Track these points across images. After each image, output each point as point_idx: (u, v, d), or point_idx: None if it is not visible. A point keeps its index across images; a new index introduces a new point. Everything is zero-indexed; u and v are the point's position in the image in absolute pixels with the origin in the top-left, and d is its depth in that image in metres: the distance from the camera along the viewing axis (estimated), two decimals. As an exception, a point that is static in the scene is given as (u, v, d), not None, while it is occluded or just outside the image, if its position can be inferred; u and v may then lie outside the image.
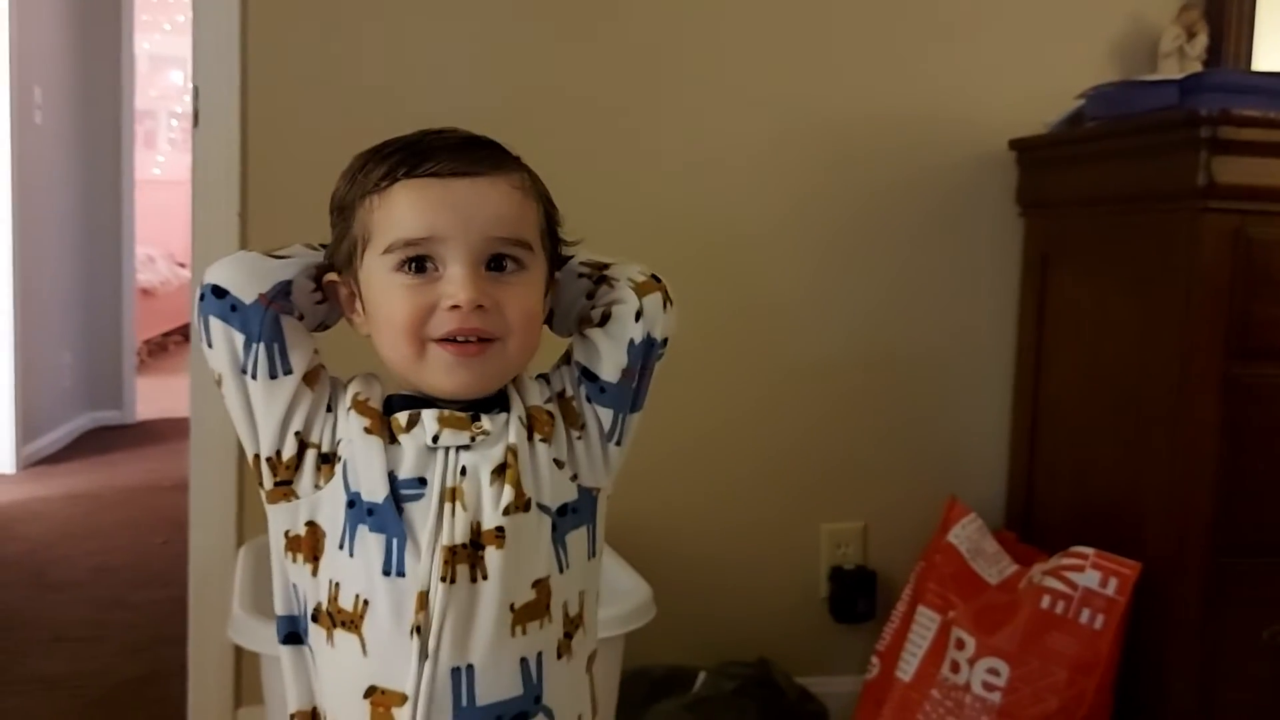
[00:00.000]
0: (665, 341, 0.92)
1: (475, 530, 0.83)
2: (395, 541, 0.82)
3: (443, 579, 0.81)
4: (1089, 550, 1.71)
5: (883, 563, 2.10)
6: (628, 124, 1.98)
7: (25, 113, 3.98)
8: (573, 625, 0.88)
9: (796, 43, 2.03)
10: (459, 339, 0.83)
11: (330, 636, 0.84)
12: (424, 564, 0.82)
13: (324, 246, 0.91)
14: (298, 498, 0.85)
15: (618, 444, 0.92)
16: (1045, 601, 1.70)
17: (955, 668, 1.76)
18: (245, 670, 1.91)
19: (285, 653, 0.89)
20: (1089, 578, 1.69)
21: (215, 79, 1.86)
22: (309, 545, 0.85)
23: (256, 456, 0.86)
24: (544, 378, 0.93)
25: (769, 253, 2.05)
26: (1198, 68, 1.99)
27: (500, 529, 0.83)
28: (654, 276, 0.92)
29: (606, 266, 0.93)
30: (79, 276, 4.61)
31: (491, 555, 0.82)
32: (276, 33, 1.87)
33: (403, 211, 0.84)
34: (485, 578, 0.82)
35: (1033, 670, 1.68)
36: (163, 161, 7.30)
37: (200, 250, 1.89)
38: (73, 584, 2.83)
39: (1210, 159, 1.62)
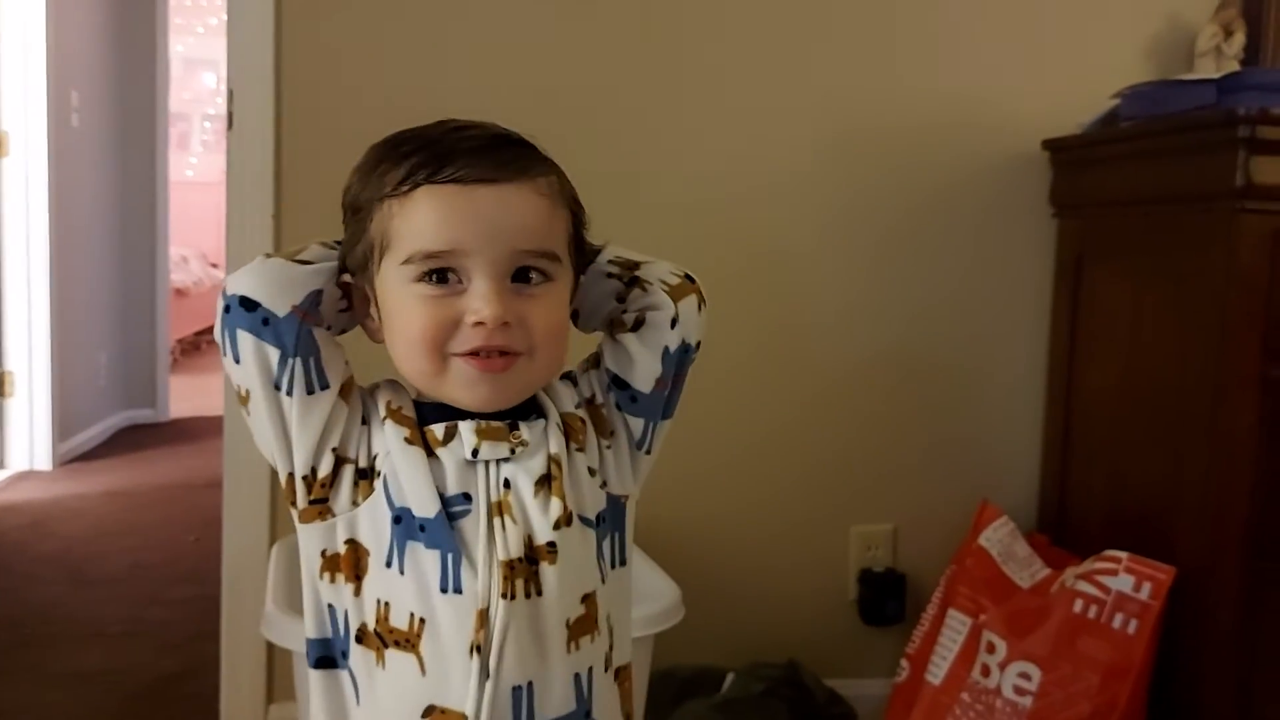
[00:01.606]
0: (699, 345, 0.89)
1: (528, 544, 0.81)
2: (451, 558, 0.79)
3: (503, 595, 0.79)
4: (1122, 554, 1.69)
5: (913, 566, 2.09)
6: (665, 130, 1.98)
7: (62, 115, 4.03)
8: (613, 637, 0.86)
9: (829, 48, 2.02)
10: (482, 354, 0.80)
11: (381, 658, 0.81)
12: (482, 580, 0.79)
13: (339, 244, 0.87)
14: (334, 515, 0.82)
15: (648, 452, 0.90)
16: (1078, 605, 1.69)
17: (986, 671, 1.75)
18: (278, 666, 1.93)
19: (316, 677, 0.84)
20: (1122, 582, 1.67)
21: (249, 81, 1.88)
22: (350, 564, 0.82)
23: (290, 475, 0.81)
24: (570, 379, 0.90)
25: (803, 258, 2.04)
26: (1235, 67, 1.97)
27: (552, 544, 0.81)
28: (688, 276, 0.89)
29: (637, 265, 0.89)
30: (114, 277, 4.67)
31: (546, 571, 0.80)
32: (310, 35, 1.88)
33: (424, 222, 0.79)
34: (541, 594, 0.80)
35: (1064, 675, 1.67)
36: (195, 163, 7.37)
37: (234, 251, 1.91)
38: (109, 580, 2.86)
39: (1248, 159, 1.60)
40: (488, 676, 0.79)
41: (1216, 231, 1.66)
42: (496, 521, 0.81)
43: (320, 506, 0.81)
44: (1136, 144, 1.87)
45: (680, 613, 1.52)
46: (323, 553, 0.82)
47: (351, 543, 0.81)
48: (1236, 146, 1.60)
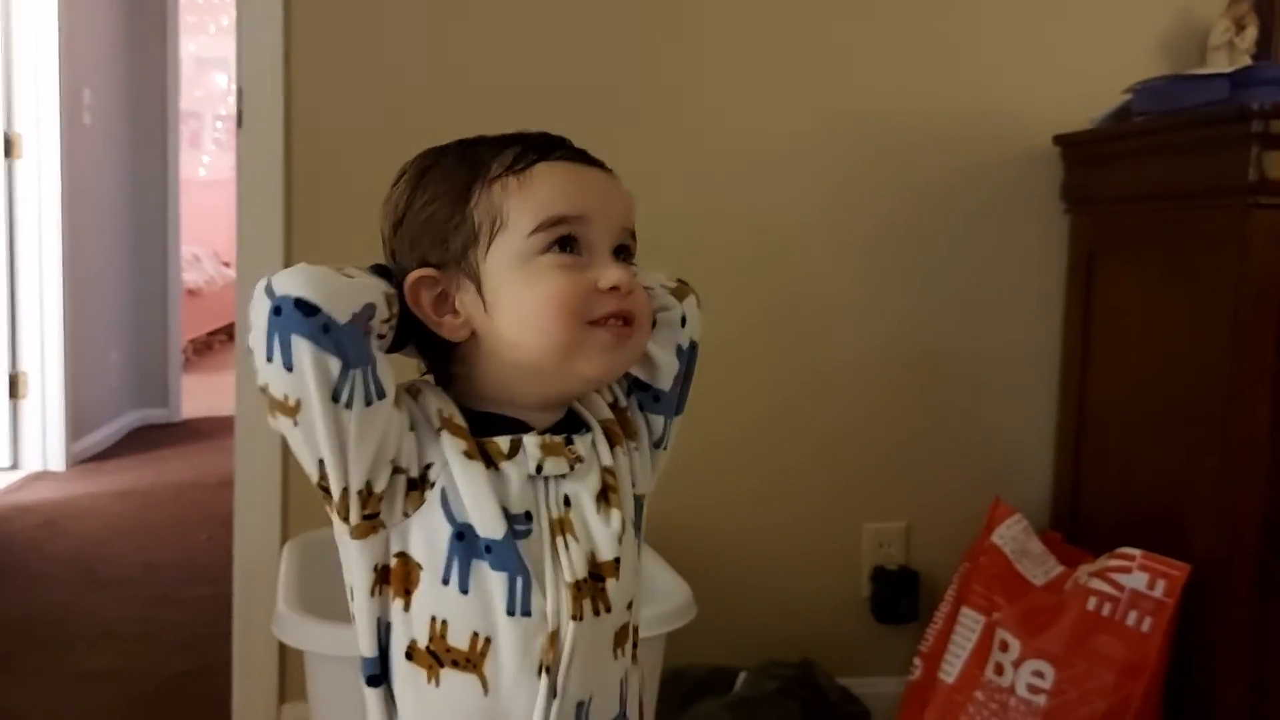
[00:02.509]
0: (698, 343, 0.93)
1: (591, 561, 0.81)
2: (520, 581, 0.78)
3: (573, 617, 0.79)
4: (1136, 551, 1.68)
5: (926, 563, 2.08)
6: (667, 118, 1.98)
7: (74, 114, 4.04)
8: (636, 632, 0.88)
9: (838, 36, 2.02)
10: (613, 322, 0.81)
11: (434, 676, 0.79)
12: (551, 603, 0.79)
13: (377, 269, 0.83)
14: (385, 528, 0.79)
15: (665, 449, 0.92)
16: (1092, 603, 1.68)
17: (1000, 670, 1.74)
18: (290, 666, 1.93)
19: (373, 696, 0.82)
20: (1136, 579, 1.66)
21: (259, 81, 1.88)
22: (399, 578, 0.79)
23: (345, 491, 0.76)
24: None
25: (810, 248, 2.04)
26: (1248, 61, 1.95)
27: (617, 560, 0.82)
28: (681, 281, 0.93)
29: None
30: (126, 276, 4.69)
31: (611, 586, 0.82)
32: (320, 35, 1.88)
33: (553, 190, 0.81)
34: (609, 610, 0.81)
35: (1079, 673, 1.66)
36: (208, 162, 7.40)
37: (246, 250, 1.91)
38: (122, 580, 2.87)
39: (1261, 154, 1.59)
40: (555, 695, 0.79)
41: (1230, 227, 1.65)
42: (559, 540, 0.80)
43: (374, 521, 0.78)
44: (1149, 139, 1.86)
45: (692, 612, 1.52)
46: (375, 567, 0.79)
47: (402, 556, 0.79)
48: (1250, 142, 1.59)
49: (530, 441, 0.81)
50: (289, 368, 0.72)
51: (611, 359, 0.82)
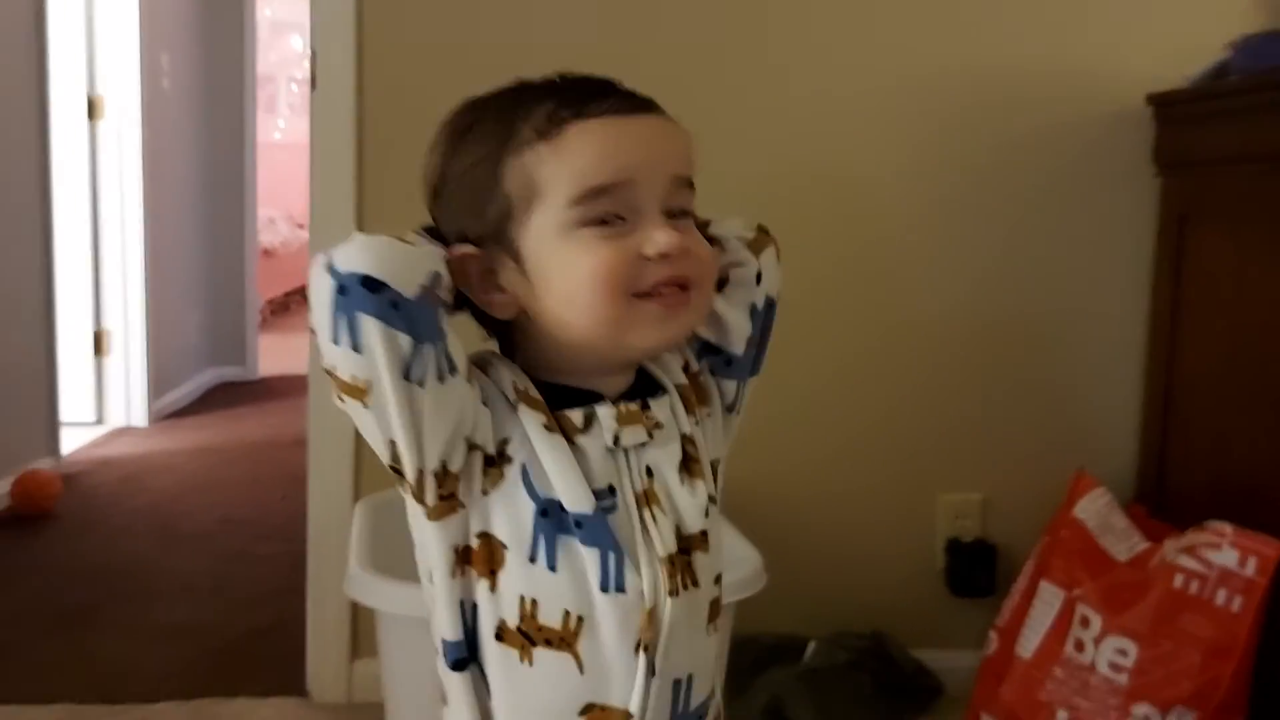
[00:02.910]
0: (778, 296, 0.87)
1: (679, 535, 0.78)
2: (613, 556, 0.75)
3: (670, 593, 0.77)
4: (1227, 527, 1.62)
5: (1003, 536, 2.04)
6: (747, 70, 1.94)
7: (154, 79, 4.10)
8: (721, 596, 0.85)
9: (923, -6, 1.95)
10: (664, 291, 0.75)
11: (527, 655, 0.76)
12: (647, 579, 0.76)
13: (429, 231, 0.79)
14: (464, 507, 0.75)
15: (737, 413, 0.88)
16: (1179, 581, 1.62)
17: (1080, 646, 1.70)
18: (362, 623, 1.95)
19: (457, 680, 0.79)
20: (1226, 556, 1.60)
21: (332, 43, 1.88)
22: (483, 559, 0.76)
23: (420, 472, 0.72)
24: None
25: (889, 206, 1.99)
26: (1359, 14, 1.85)
27: (704, 532, 0.79)
28: (761, 228, 0.85)
29: (707, 224, 0.84)
30: (204, 237, 4.77)
31: (700, 560, 0.79)
32: (392, -7, 1.87)
33: (586, 156, 0.74)
34: (697, 585, 0.79)
35: (1164, 652, 1.60)
36: (283, 126, 7.48)
37: (319, 213, 1.91)
38: (199, 536, 2.93)
39: (1373, 112, 1.51)
40: (653, 673, 0.76)
41: (1337, 190, 1.57)
42: (646, 514, 0.77)
43: (451, 501, 0.75)
44: (1248, 98, 1.78)
45: (762, 580, 1.50)
46: (455, 548, 0.76)
47: (484, 536, 0.76)
48: (1361, 99, 1.51)
49: (604, 412, 0.77)
50: (357, 349, 0.69)
51: (667, 329, 0.77)
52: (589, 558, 0.75)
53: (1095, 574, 1.73)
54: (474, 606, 0.77)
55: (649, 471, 0.78)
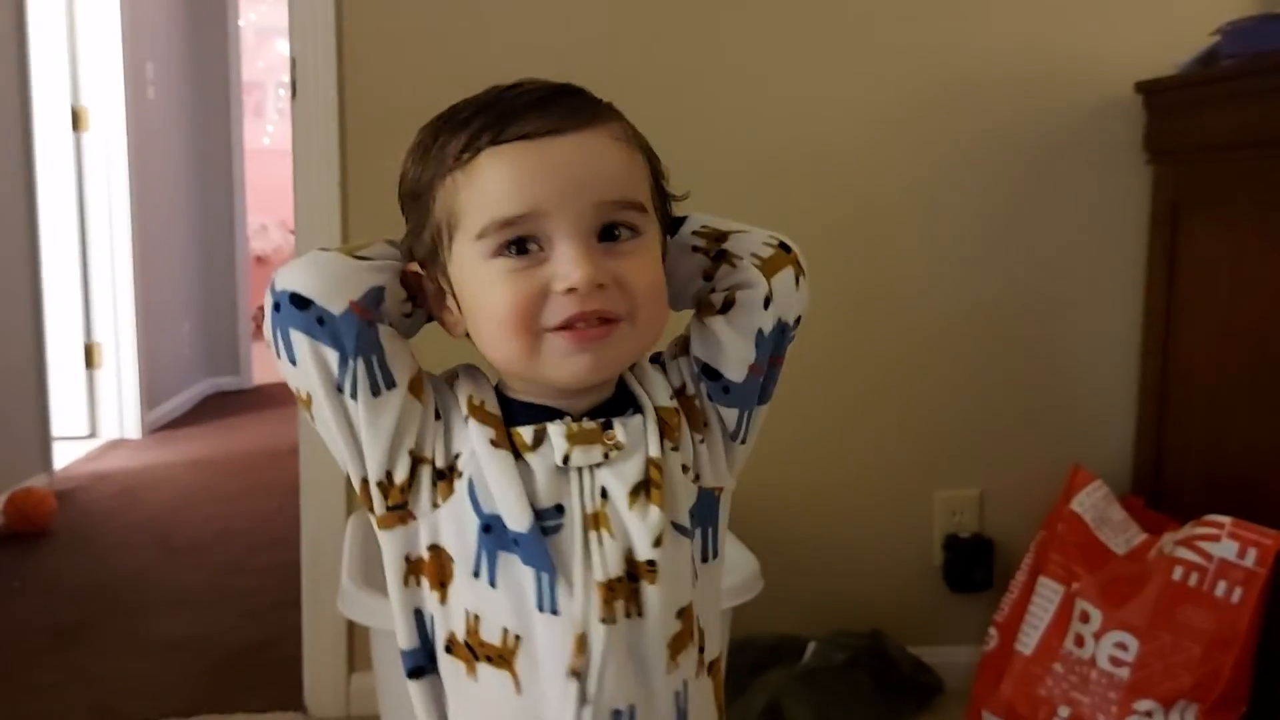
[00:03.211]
0: (799, 320, 0.81)
1: (628, 560, 0.74)
2: (545, 577, 0.73)
3: (603, 620, 0.72)
4: (1225, 519, 1.61)
5: (1000, 531, 2.03)
6: (749, 74, 1.93)
7: (139, 88, 4.09)
8: (703, 638, 0.80)
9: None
10: (579, 325, 0.71)
11: (472, 670, 0.75)
12: (579, 603, 0.73)
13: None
14: (415, 519, 0.75)
15: (743, 442, 0.82)
16: (1178, 573, 1.61)
17: (1080, 641, 1.69)
18: (358, 637, 1.94)
19: (415, 688, 0.79)
20: (1225, 548, 1.59)
21: (312, 50, 1.86)
22: (434, 571, 0.76)
23: (365, 481, 0.75)
24: (659, 364, 0.82)
25: (885, 215, 1.97)
26: (1347, -3, 1.84)
27: (652, 562, 0.74)
28: (783, 245, 0.80)
29: (725, 237, 0.80)
30: (194, 246, 4.75)
31: (648, 590, 0.74)
32: (373, 2, 1.85)
33: (494, 186, 0.72)
34: (642, 614, 0.74)
35: (1164, 645, 1.59)
36: (272, 131, 7.44)
37: (304, 220, 1.90)
38: (195, 548, 2.92)
39: (1363, 97, 1.49)
40: (586, 702, 0.73)
41: (1328, 176, 1.55)
42: (593, 535, 0.74)
43: (400, 512, 0.75)
44: (1238, 84, 1.76)
45: (759, 585, 1.49)
46: (406, 557, 0.76)
47: (435, 549, 0.75)
48: (1351, 84, 1.50)
49: (555, 430, 0.75)
50: (293, 362, 0.73)
51: (578, 364, 0.72)
52: (527, 576, 0.73)
53: (1093, 567, 1.72)
54: (431, 617, 0.77)
55: (605, 494, 0.75)
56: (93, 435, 4.06)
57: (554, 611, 0.73)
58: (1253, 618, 1.56)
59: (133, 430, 4.10)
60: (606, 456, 0.75)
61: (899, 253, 1.99)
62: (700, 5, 1.92)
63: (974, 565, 2.00)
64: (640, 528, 0.74)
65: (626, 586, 0.74)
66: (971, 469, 2.03)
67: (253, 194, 5.08)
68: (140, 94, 4.10)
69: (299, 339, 0.72)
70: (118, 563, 2.81)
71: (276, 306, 0.73)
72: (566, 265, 0.71)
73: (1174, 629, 1.59)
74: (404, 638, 0.78)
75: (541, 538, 0.73)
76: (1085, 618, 1.69)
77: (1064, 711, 1.68)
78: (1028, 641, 1.76)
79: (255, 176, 5.14)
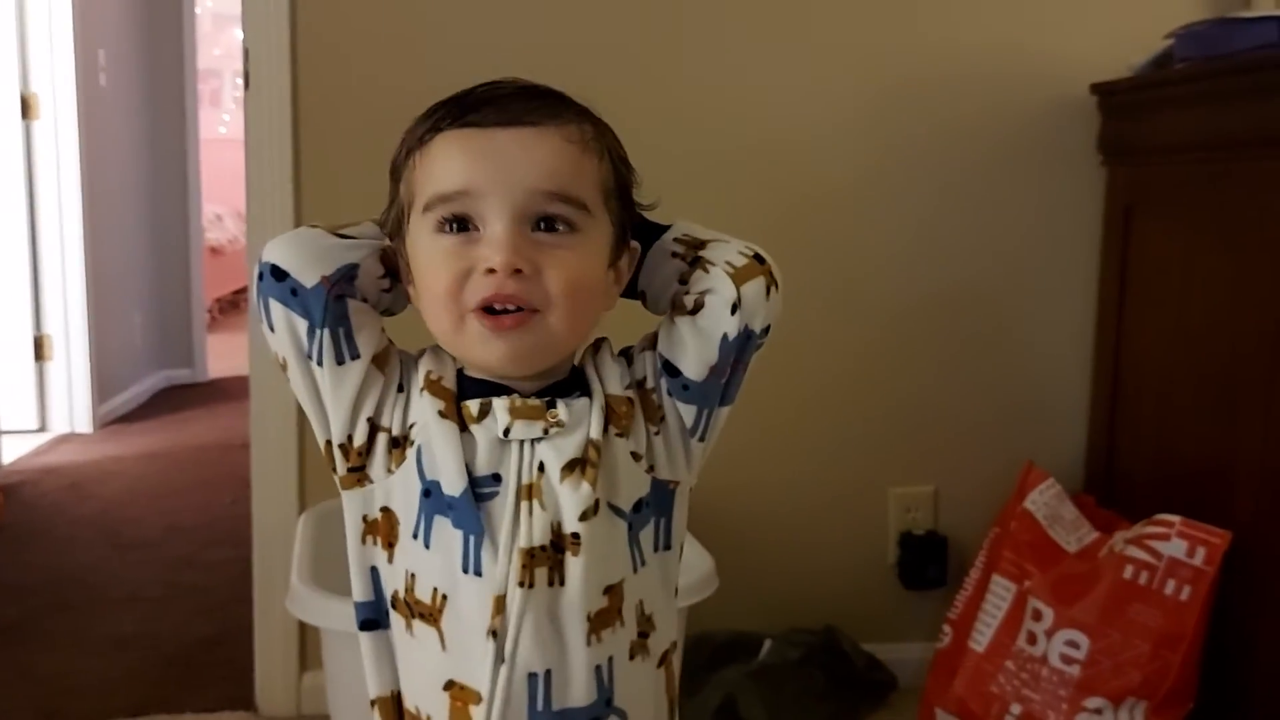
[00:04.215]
0: (768, 329, 0.83)
1: (556, 531, 0.78)
2: (473, 539, 0.78)
3: (520, 584, 0.77)
4: (1175, 518, 1.63)
5: (954, 528, 2.04)
6: (707, 77, 1.92)
7: (90, 76, 4.01)
8: (648, 624, 0.83)
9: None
10: (495, 308, 0.76)
11: (410, 626, 0.81)
12: (501, 566, 0.77)
13: None
14: (371, 483, 0.81)
15: (701, 440, 0.85)
16: (1128, 571, 1.63)
17: (1032, 639, 1.70)
18: (310, 635, 1.92)
19: (364, 639, 0.85)
20: (1175, 547, 1.61)
21: (265, 40, 1.83)
22: (385, 531, 0.81)
23: (328, 443, 0.81)
24: (626, 356, 0.86)
25: (835, 204, 1.97)
26: (1297, 2, 1.86)
27: (576, 535, 0.77)
28: (757, 257, 0.83)
29: (703, 245, 0.84)
30: (147, 237, 4.67)
31: (571, 561, 0.78)
32: (326, -11, 1.83)
33: (438, 164, 0.78)
34: (564, 584, 0.78)
35: (1114, 643, 1.61)
36: (228, 120, 7.35)
37: (255, 211, 1.87)
38: (146, 543, 2.87)
39: (1313, 102, 1.51)
40: (503, 661, 0.77)
41: (1276, 180, 1.57)
42: (524, 505, 0.78)
43: (359, 474, 0.81)
44: (1192, 87, 1.78)
45: (714, 584, 1.48)
46: (364, 518, 0.82)
47: (386, 510, 0.81)
48: (1300, 88, 1.51)
49: (500, 405, 0.79)
50: (272, 329, 0.80)
51: (493, 351, 0.77)
52: (455, 538, 0.78)
53: (1045, 566, 1.73)
54: (383, 576, 0.83)
55: (542, 467, 0.79)
56: (42, 429, 3.98)
57: (478, 573, 0.78)
58: (1200, 616, 1.58)
59: (83, 424, 4.02)
60: (546, 432, 0.79)
61: (852, 250, 1.99)
62: (673, 5, 1.91)
63: (928, 562, 2.01)
64: (570, 501, 0.78)
65: (551, 555, 0.78)
66: (926, 466, 2.04)
67: (208, 184, 5.00)
68: (92, 81, 4.02)
69: (276, 307, 0.79)
70: (65, 558, 2.76)
71: (260, 276, 0.79)
72: (490, 247, 0.76)
73: (1124, 627, 1.61)
74: (358, 591, 0.84)
75: (473, 502, 0.78)
76: (1037, 615, 1.70)
77: (1015, 709, 1.69)
78: (980, 639, 1.77)
79: (211, 166, 5.06)
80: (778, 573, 2.00)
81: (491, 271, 0.75)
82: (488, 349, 0.77)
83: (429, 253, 0.78)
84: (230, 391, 4.63)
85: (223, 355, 5.06)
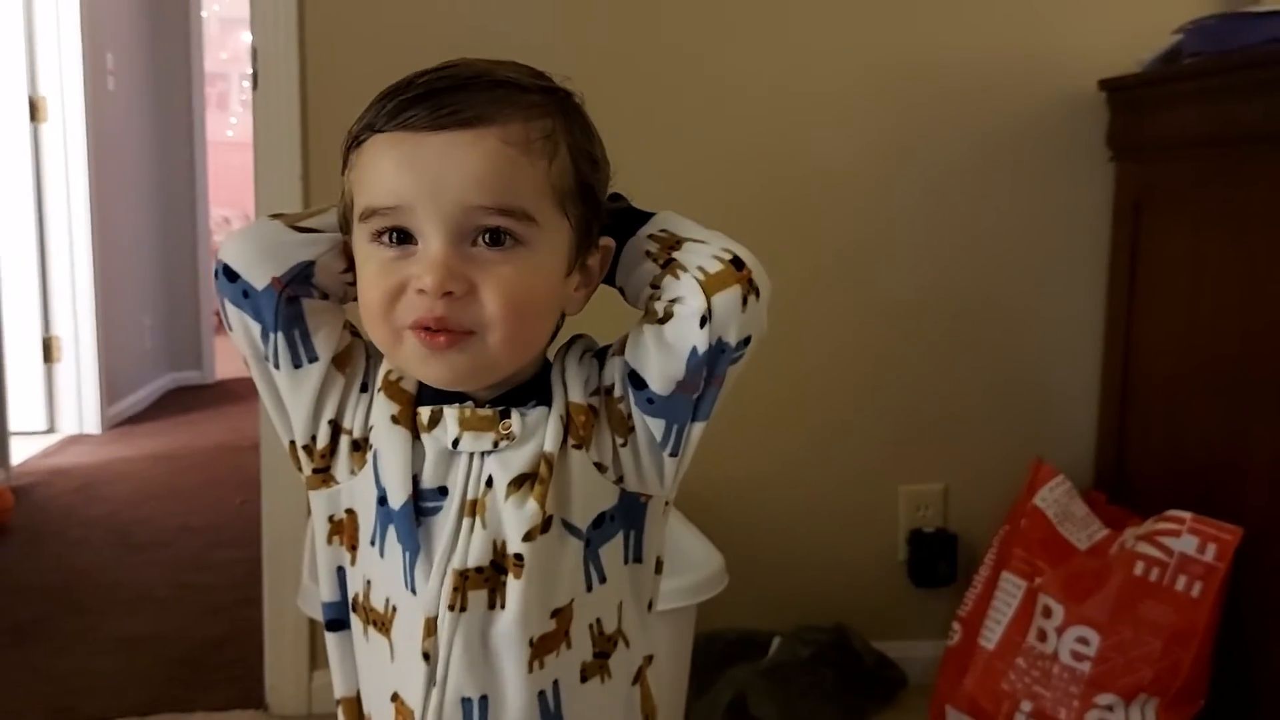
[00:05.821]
0: (748, 341, 0.74)
1: (499, 551, 0.73)
2: (408, 556, 0.74)
3: (450, 607, 0.73)
4: (1186, 514, 1.62)
5: (964, 525, 2.03)
6: (708, 67, 1.92)
7: (99, 79, 4.02)
8: (608, 643, 0.78)
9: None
10: (430, 327, 0.70)
11: (365, 631, 0.79)
12: (433, 587, 0.74)
13: None
14: (337, 483, 0.78)
15: (673, 455, 0.77)
16: (1139, 568, 1.62)
17: (1042, 636, 1.70)
18: (320, 634, 1.91)
19: (330, 639, 0.83)
20: (1186, 543, 1.60)
21: (274, 41, 1.83)
22: (350, 533, 0.79)
23: (292, 443, 0.79)
24: (598, 359, 0.78)
25: (842, 198, 1.97)
26: (1307, -3, 1.85)
27: (519, 556, 0.73)
28: (735, 261, 0.73)
29: (678, 245, 0.76)
30: (156, 239, 4.68)
31: (511, 584, 0.73)
32: (334, -10, 1.83)
33: (369, 174, 0.72)
34: (503, 607, 0.73)
35: (1125, 640, 1.61)
36: (235, 123, 7.36)
37: (264, 212, 1.87)
38: (156, 545, 2.88)
39: (1323, 96, 1.51)
40: (434, 684, 0.75)
41: (1288, 174, 1.57)
42: (466, 522, 0.74)
43: (324, 475, 0.79)
44: (1202, 82, 1.78)
45: (723, 581, 1.48)
46: (330, 518, 0.80)
47: (350, 512, 0.79)
48: (1311, 82, 1.51)
49: (450, 414, 0.75)
50: (230, 329, 0.78)
51: (430, 369, 0.72)
52: (399, 553, 0.76)
53: (1055, 562, 1.73)
54: (349, 579, 0.81)
55: (491, 482, 0.74)
56: (51, 430, 3.99)
57: (413, 591, 0.75)
58: (1212, 612, 1.58)
59: (92, 425, 4.03)
60: (497, 445, 0.75)
61: (858, 250, 1.99)
62: (681, 12, 1.90)
63: (938, 560, 2.01)
64: (514, 519, 0.73)
65: (492, 575, 0.74)
66: (936, 463, 2.04)
67: (215, 186, 5.01)
68: (100, 84, 4.03)
69: (230, 309, 0.76)
70: (76, 559, 2.77)
71: (215, 274, 0.77)
72: (422, 265, 0.70)
73: (1135, 624, 1.60)
74: (326, 591, 0.82)
75: (412, 517, 0.74)
76: (1048, 612, 1.70)
77: (1026, 706, 1.69)
78: (991, 636, 1.77)
79: (218, 169, 5.07)
80: (787, 570, 2.00)
81: (423, 292, 0.70)
82: (426, 368, 0.73)
83: (364, 263, 0.74)
84: (239, 393, 4.64)
85: (231, 357, 5.04)
